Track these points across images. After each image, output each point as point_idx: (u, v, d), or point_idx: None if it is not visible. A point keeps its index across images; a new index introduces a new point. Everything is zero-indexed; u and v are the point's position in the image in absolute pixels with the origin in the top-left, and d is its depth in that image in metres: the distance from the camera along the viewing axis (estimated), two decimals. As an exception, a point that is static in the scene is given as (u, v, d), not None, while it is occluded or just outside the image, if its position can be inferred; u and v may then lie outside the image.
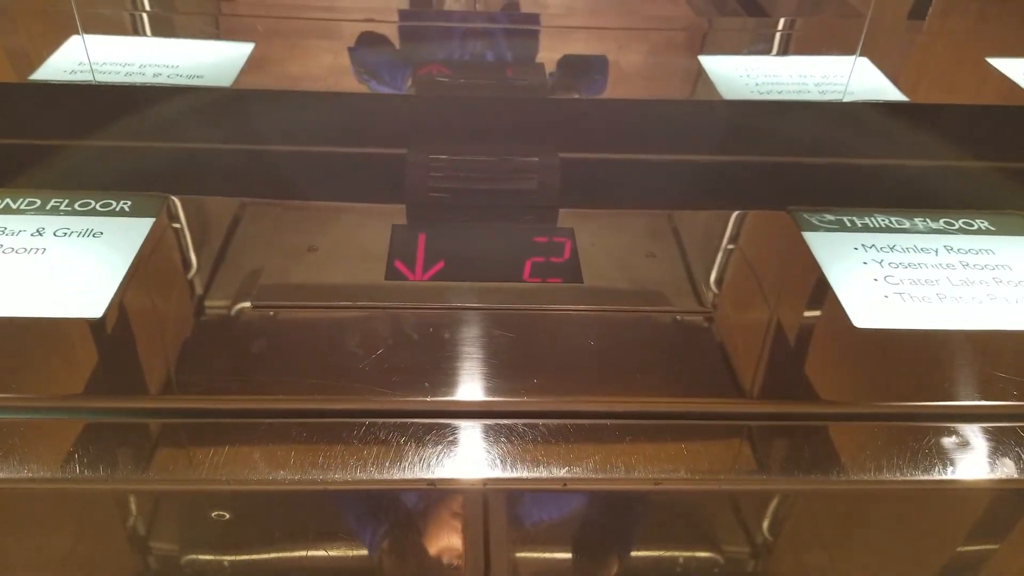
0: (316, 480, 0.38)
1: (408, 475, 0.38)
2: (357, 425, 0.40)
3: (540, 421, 0.41)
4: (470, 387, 0.42)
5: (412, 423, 0.40)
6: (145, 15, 0.75)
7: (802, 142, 0.62)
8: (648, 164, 0.62)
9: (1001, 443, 0.41)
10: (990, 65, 0.71)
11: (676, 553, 0.46)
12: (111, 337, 0.44)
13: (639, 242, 0.55)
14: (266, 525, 0.44)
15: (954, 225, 0.56)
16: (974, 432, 0.42)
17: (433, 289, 0.49)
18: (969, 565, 0.46)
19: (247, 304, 0.47)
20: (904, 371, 0.45)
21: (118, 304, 0.46)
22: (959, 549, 0.46)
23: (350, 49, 0.69)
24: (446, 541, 0.42)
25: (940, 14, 0.83)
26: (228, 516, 0.42)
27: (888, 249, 0.53)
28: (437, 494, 0.40)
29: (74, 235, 0.51)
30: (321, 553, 0.44)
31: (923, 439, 0.41)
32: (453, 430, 0.40)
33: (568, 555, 0.44)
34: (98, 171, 0.58)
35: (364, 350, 0.44)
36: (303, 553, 0.44)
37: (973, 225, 0.56)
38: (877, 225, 0.55)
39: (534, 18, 0.80)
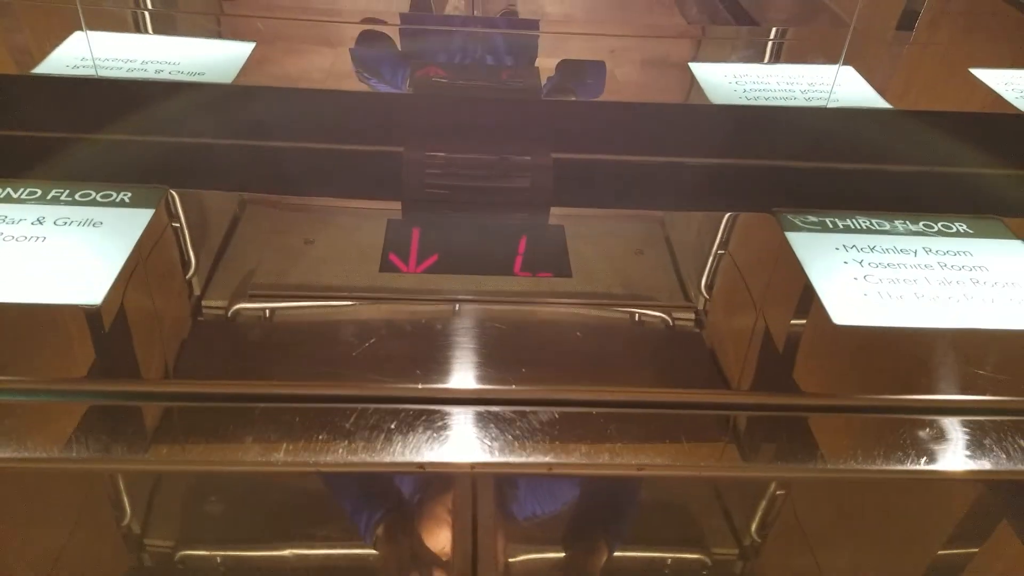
0: (308, 463, 0.39)
1: (399, 458, 0.39)
2: (350, 410, 0.41)
3: (527, 408, 0.42)
4: (460, 375, 0.43)
5: (403, 409, 0.42)
6: (147, 14, 0.76)
7: (787, 146, 0.63)
8: (638, 166, 0.64)
9: (972, 435, 0.43)
10: (973, 76, 0.73)
11: (657, 539, 0.47)
12: (110, 323, 0.45)
13: (627, 240, 0.56)
14: (258, 507, 0.44)
15: (933, 227, 0.57)
16: (947, 425, 0.43)
17: (426, 281, 0.50)
18: (940, 553, 0.47)
19: (244, 293, 0.48)
20: (881, 366, 0.46)
21: (117, 292, 0.47)
22: (928, 537, 0.47)
23: (350, 49, 0.71)
24: (435, 522, 0.43)
25: (927, 26, 0.85)
26: (222, 497, 0.43)
27: (868, 250, 0.54)
28: (427, 477, 0.41)
29: (74, 224, 0.52)
30: (313, 533, 0.44)
31: (897, 431, 0.42)
32: (443, 416, 0.41)
33: (554, 536, 0.45)
34: (99, 163, 0.59)
35: (358, 339, 0.45)
36: (294, 535, 0.45)
37: (952, 228, 0.57)
38: (858, 227, 0.57)
39: (530, 24, 0.81)
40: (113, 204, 0.54)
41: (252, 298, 0.48)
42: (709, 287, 0.53)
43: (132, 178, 0.56)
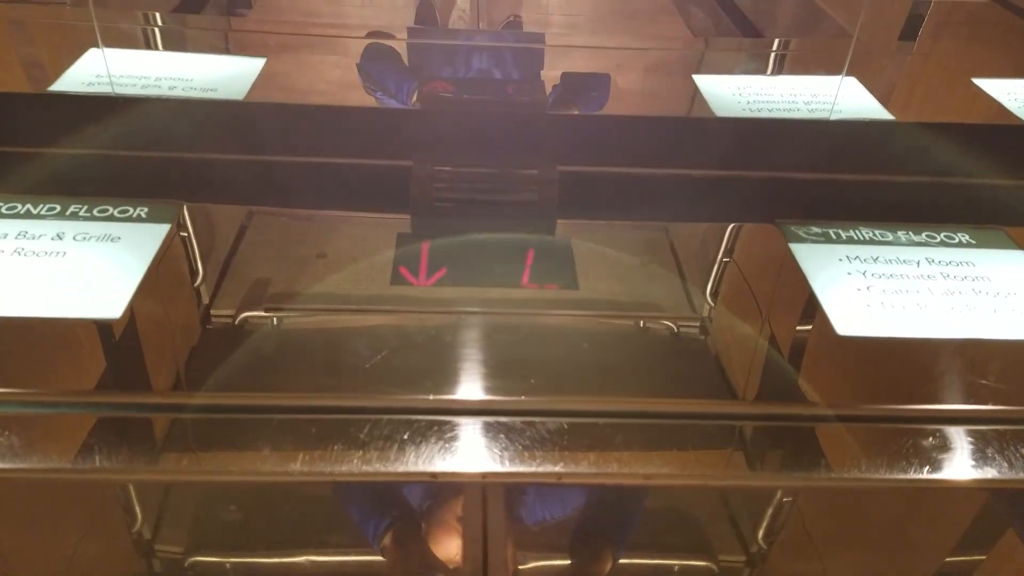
0: (324, 472, 0.40)
1: (412, 468, 0.40)
2: (363, 421, 0.42)
3: (536, 419, 0.43)
4: (470, 387, 0.44)
5: (415, 420, 0.42)
6: (158, 30, 0.78)
7: (790, 158, 0.64)
8: (643, 178, 0.65)
9: (975, 444, 0.43)
10: (976, 86, 0.74)
11: (665, 547, 0.48)
12: (129, 337, 0.47)
13: (633, 252, 0.57)
14: (275, 516, 0.45)
15: (936, 238, 0.58)
16: (949, 434, 0.44)
17: (436, 294, 0.51)
18: (946, 561, 0.48)
19: (259, 306, 0.49)
20: (884, 376, 0.47)
21: (136, 305, 0.48)
22: (933, 546, 0.47)
23: (357, 64, 0.72)
24: (446, 530, 0.44)
25: (930, 35, 0.86)
26: (241, 506, 0.44)
27: (871, 260, 0.55)
28: (438, 486, 0.42)
29: (93, 239, 0.53)
30: (328, 539, 0.45)
31: (901, 440, 0.43)
32: (454, 427, 0.42)
33: (563, 544, 0.46)
34: (116, 179, 0.60)
35: (370, 351, 0.46)
36: (309, 543, 0.45)
37: (954, 238, 0.58)
38: (861, 237, 0.57)
39: (535, 37, 0.83)
40: (130, 219, 0.55)
41: (267, 312, 0.49)
42: (714, 297, 0.54)
43: (148, 193, 0.57)
